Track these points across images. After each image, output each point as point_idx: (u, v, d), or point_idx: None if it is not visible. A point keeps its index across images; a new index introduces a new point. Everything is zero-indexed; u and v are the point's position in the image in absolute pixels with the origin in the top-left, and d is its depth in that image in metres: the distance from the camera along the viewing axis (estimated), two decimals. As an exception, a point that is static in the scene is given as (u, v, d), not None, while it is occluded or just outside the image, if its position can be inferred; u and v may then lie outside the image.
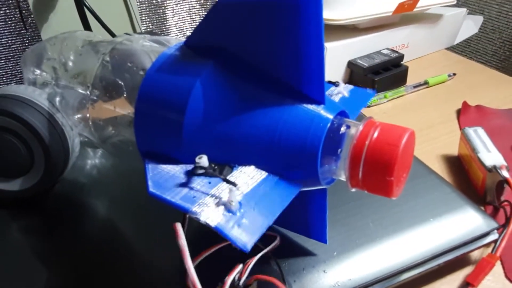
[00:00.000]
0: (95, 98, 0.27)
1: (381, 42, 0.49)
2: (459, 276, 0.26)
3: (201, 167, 0.18)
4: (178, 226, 0.16)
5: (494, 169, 0.30)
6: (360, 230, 0.25)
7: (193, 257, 0.16)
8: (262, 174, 0.18)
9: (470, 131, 0.34)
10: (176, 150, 0.20)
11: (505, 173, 0.29)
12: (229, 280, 0.18)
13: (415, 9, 0.49)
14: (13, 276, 0.24)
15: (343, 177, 0.18)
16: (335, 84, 0.23)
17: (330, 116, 0.18)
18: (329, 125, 0.18)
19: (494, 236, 0.26)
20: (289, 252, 0.24)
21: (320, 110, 0.18)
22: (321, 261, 0.23)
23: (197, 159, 0.18)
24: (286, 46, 0.18)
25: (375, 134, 0.17)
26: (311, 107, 0.18)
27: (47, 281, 0.24)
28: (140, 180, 0.32)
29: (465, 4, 0.66)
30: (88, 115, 0.28)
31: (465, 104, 0.43)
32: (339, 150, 0.18)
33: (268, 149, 0.18)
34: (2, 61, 0.72)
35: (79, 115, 0.30)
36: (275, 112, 0.18)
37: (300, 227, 0.24)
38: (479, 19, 0.58)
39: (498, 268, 0.26)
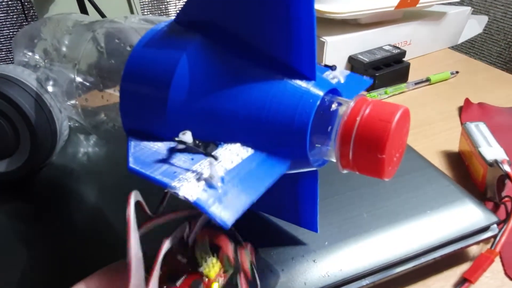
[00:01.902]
0: (85, 84, 0.26)
1: (383, 38, 0.48)
2: (456, 272, 0.25)
3: (184, 143, 0.17)
4: (133, 193, 0.15)
5: (495, 164, 0.29)
6: (354, 221, 0.24)
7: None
8: (249, 151, 0.17)
9: (472, 126, 0.33)
10: (160, 126, 0.19)
11: (506, 168, 0.28)
12: (167, 240, 0.17)
13: (418, 5, 0.48)
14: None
15: (333, 158, 0.17)
16: (332, 68, 0.22)
17: (321, 93, 0.17)
18: (319, 101, 0.17)
19: (493, 231, 0.25)
20: (278, 240, 0.23)
21: (310, 86, 0.17)
22: (311, 250, 0.22)
23: (180, 135, 0.17)
24: (276, 19, 0.17)
25: (367, 111, 0.16)
26: (301, 83, 0.17)
27: (31, 265, 0.23)
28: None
29: (470, 4, 0.65)
30: (77, 101, 0.28)
31: (467, 101, 0.42)
32: (329, 127, 0.17)
33: (255, 126, 0.17)
34: (3, 52, 0.72)
35: (71, 101, 0.29)
36: (263, 87, 0.17)
37: (290, 215, 0.23)
38: (484, 19, 0.57)
39: (497, 264, 0.25)
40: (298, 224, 0.23)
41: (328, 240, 0.23)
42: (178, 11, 0.20)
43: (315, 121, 0.17)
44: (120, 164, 0.32)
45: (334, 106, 0.17)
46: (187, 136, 0.17)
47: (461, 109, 0.41)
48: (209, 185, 0.15)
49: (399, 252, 0.23)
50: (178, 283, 0.18)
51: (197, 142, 0.18)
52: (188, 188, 0.15)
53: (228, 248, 0.17)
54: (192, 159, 0.17)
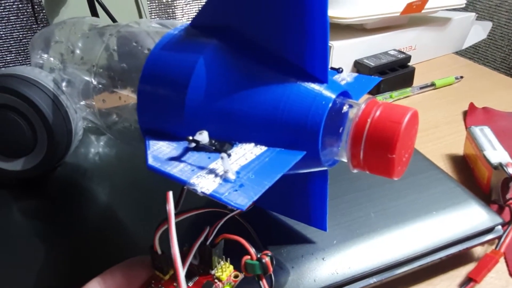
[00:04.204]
0: (100, 86, 0.27)
1: (388, 43, 0.49)
2: (462, 272, 0.25)
3: (201, 143, 0.18)
4: (170, 193, 0.16)
5: (500, 167, 0.29)
6: (361, 221, 0.25)
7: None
8: (262, 149, 0.18)
9: (476, 129, 0.34)
10: (177, 126, 0.20)
11: (511, 170, 0.29)
12: (196, 244, 0.18)
13: (423, 11, 0.48)
14: (11, 256, 0.24)
15: (344, 158, 0.18)
16: (338, 70, 0.23)
17: (333, 95, 0.18)
18: (331, 103, 0.18)
19: (498, 232, 0.26)
20: (288, 239, 0.24)
21: (322, 89, 0.18)
22: (320, 249, 0.23)
23: (197, 135, 0.18)
24: (290, 24, 0.18)
25: (377, 113, 0.17)
26: (314, 85, 0.18)
27: (45, 261, 0.23)
28: (143, 168, 0.32)
29: (474, 10, 0.65)
30: (93, 102, 0.28)
31: (471, 105, 0.42)
32: (341, 128, 0.18)
33: (269, 127, 0.18)
34: (13, 54, 0.73)
35: (85, 101, 0.30)
36: (277, 89, 0.18)
37: (300, 214, 0.24)
38: (488, 24, 0.58)
39: (502, 265, 0.25)
40: (307, 223, 0.24)
41: (337, 239, 0.24)
42: (194, 16, 0.21)
43: (327, 122, 0.18)
44: (131, 164, 0.33)
45: (345, 108, 0.18)
46: (203, 136, 0.18)
47: (465, 113, 0.42)
48: (225, 179, 0.16)
49: (406, 251, 0.23)
50: (190, 283, 0.19)
51: (213, 141, 0.18)
52: (205, 184, 0.16)
53: (251, 250, 0.18)
54: (209, 157, 0.18)
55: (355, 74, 0.24)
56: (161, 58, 0.20)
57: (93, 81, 0.27)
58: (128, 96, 0.24)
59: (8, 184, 0.29)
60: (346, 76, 0.24)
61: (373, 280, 0.23)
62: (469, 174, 0.33)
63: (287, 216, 0.25)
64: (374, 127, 0.16)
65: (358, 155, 0.17)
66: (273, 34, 0.18)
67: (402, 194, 0.27)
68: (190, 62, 0.19)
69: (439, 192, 0.27)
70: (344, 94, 0.19)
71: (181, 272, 0.16)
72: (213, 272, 0.19)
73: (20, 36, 0.70)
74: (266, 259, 0.18)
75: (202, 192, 0.15)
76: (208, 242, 0.19)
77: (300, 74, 0.18)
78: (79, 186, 0.30)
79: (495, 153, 0.30)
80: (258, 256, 0.18)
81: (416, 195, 0.27)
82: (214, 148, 0.18)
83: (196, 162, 0.17)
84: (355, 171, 0.18)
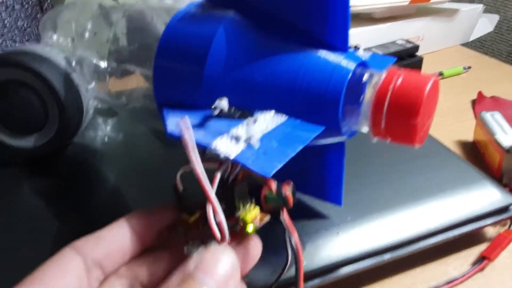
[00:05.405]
0: (110, 69, 0.27)
1: (396, 33, 0.49)
2: (475, 251, 0.25)
3: (221, 109, 0.18)
4: (186, 119, 0.15)
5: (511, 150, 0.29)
6: (375, 198, 0.25)
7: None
8: (283, 118, 0.18)
9: (487, 115, 0.34)
10: (195, 97, 0.19)
11: (523, 153, 0.29)
12: (218, 174, 0.17)
13: (431, 1, 0.48)
14: (21, 235, 0.24)
15: (365, 127, 0.18)
16: (356, 47, 0.23)
17: (353, 64, 0.18)
18: (351, 72, 0.18)
19: (511, 212, 0.25)
20: (303, 214, 0.24)
21: (343, 57, 0.18)
22: (335, 224, 0.23)
23: (217, 102, 0.18)
24: (311, -8, 0.18)
25: (400, 79, 0.17)
26: (334, 54, 0.18)
27: (53, 240, 0.23)
28: (151, 150, 0.32)
29: (481, 2, 0.65)
30: (103, 84, 0.28)
31: (480, 94, 0.42)
32: (361, 97, 0.18)
33: (289, 96, 0.18)
34: (17, 43, 0.72)
35: (95, 84, 0.29)
36: (297, 58, 0.18)
37: (315, 189, 0.24)
38: (495, 17, 0.58)
39: (514, 245, 0.25)
40: (322, 197, 0.24)
41: (351, 216, 0.23)
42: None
43: (348, 90, 0.17)
44: (139, 146, 0.33)
45: (366, 76, 0.18)
46: (223, 103, 0.18)
47: (473, 103, 0.42)
48: (248, 145, 0.16)
49: (420, 229, 0.23)
50: None
51: (232, 109, 0.18)
52: (228, 147, 0.16)
53: (271, 182, 0.17)
54: (229, 124, 0.17)
55: (371, 52, 0.24)
56: (178, 29, 0.20)
57: (103, 63, 0.27)
58: (139, 78, 0.24)
59: (19, 163, 0.29)
60: (363, 54, 0.23)
61: (386, 256, 0.23)
62: (480, 159, 0.33)
63: (301, 192, 0.25)
64: (396, 93, 0.16)
65: (379, 122, 0.17)
66: (292, 3, 0.18)
67: (416, 173, 0.27)
68: (209, 32, 0.19)
69: (452, 172, 0.27)
70: (363, 64, 0.19)
71: (209, 189, 0.15)
72: (238, 214, 0.17)
73: (25, 25, 0.70)
74: (287, 193, 0.17)
75: (225, 156, 0.15)
76: (229, 179, 0.17)
77: (320, 43, 0.18)
78: (88, 166, 0.30)
79: (506, 136, 0.30)
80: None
81: (430, 175, 0.27)
82: (238, 115, 0.17)
83: (217, 128, 0.17)
84: (375, 140, 0.18)
